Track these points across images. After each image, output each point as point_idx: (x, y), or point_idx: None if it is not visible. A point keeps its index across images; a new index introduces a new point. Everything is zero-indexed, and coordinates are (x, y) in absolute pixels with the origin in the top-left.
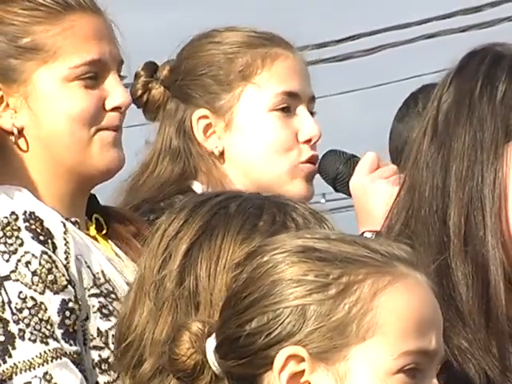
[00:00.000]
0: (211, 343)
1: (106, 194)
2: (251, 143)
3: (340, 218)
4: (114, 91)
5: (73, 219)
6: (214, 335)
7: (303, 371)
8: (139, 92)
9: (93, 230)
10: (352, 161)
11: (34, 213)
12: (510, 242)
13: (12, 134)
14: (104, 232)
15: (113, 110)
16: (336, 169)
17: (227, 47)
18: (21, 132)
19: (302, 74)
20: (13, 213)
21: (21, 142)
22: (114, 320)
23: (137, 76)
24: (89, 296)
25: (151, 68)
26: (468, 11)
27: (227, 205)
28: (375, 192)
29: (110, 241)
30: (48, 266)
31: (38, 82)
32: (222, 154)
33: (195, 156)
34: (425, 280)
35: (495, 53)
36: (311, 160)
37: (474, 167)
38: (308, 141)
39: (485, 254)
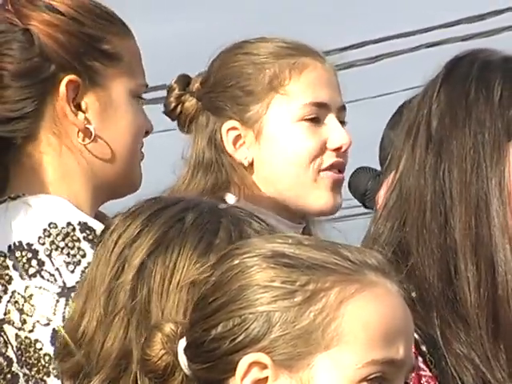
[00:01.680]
0: (183, 345)
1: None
2: (279, 153)
3: None
4: (146, 116)
5: None
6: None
7: (266, 378)
8: (172, 105)
9: None
10: (380, 177)
11: (86, 223)
12: None
13: (87, 134)
14: None
15: (145, 133)
16: (365, 185)
17: (255, 58)
18: (94, 133)
19: (330, 83)
20: (69, 223)
21: (93, 145)
22: None
23: (170, 89)
24: None
25: (184, 81)
26: (471, 20)
27: (183, 217)
28: None
29: None
30: None
31: (115, 90)
32: (251, 164)
33: (227, 167)
34: (395, 288)
35: (482, 57)
36: (335, 166)
37: (478, 169)
38: (338, 149)
39: (493, 255)
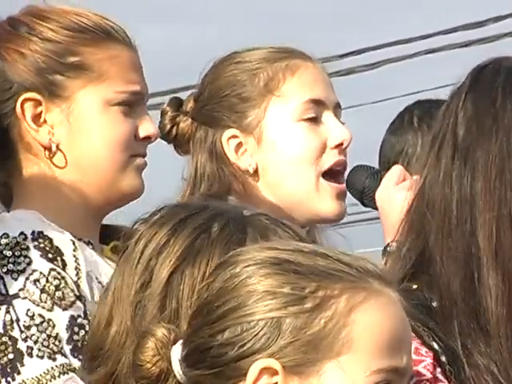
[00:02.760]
0: (177, 351)
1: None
2: (282, 156)
3: None
4: (146, 122)
5: (86, 239)
6: (179, 343)
7: None
8: (167, 127)
9: (107, 252)
10: (378, 174)
11: (42, 232)
12: None
13: (48, 149)
14: None
15: (143, 139)
16: (363, 182)
17: (248, 65)
18: (58, 147)
19: (324, 81)
20: (21, 233)
21: (57, 158)
22: None
23: (163, 112)
24: None
25: (176, 103)
26: (470, 26)
27: (210, 227)
28: (401, 202)
29: None
30: (56, 282)
31: (82, 101)
32: (256, 171)
33: (229, 176)
34: (398, 297)
35: (506, 65)
36: (338, 164)
37: (503, 176)
38: (339, 145)
39: (504, 270)
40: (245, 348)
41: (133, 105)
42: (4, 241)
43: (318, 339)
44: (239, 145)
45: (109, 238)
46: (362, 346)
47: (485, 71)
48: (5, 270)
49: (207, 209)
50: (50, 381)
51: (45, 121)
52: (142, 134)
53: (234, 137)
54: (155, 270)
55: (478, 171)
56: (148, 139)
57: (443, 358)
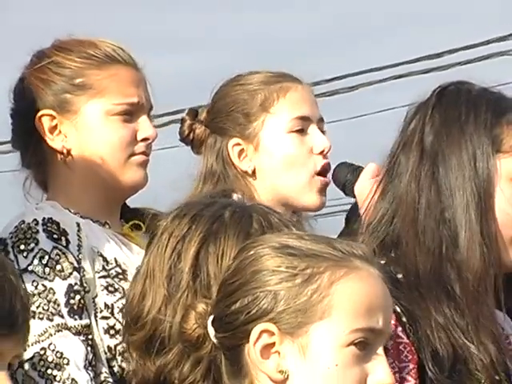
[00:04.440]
0: (211, 320)
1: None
2: (275, 160)
3: None
4: (145, 126)
5: (102, 221)
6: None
7: (274, 343)
8: (186, 132)
9: (126, 229)
10: (357, 170)
11: (51, 218)
12: (499, 236)
13: (62, 153)
14: (143, 231)
15: (142, 140)
16: (345, 177)
17: (248, 87)
18: (69, 152)
19: (310, 100)
20: (34, 219)
21: (68, 160)
22: (118, 295)
23: (182, 121)
24: (98, 278)
25: (193, 113)
26: (430, 57)
27: (222, 214)
28: None
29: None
30: (57, 258)
31: (86, 113)
32: (254, 172)
33: (231, 177)
34: (377, 272)
35: (465, 88)
36: (325, 167)
37: (476, 178)
38: (321, 152)
39: (474, 248)
40: (250, 314)
41: (132, 113)
42: (20, 226)
43: (305, 307)
44: (241, 151)
45: (129, 218)
46: (341, 311)
47: (447, 91)
48: (17, 249)
49: (216, 203)
50: (48, 338)
51: (60, 131)
52: (140, 136)
53: (238, 144)
54: (182, 250)
55: (450, 171)
56: (146, 140)
57: (404, 319)
